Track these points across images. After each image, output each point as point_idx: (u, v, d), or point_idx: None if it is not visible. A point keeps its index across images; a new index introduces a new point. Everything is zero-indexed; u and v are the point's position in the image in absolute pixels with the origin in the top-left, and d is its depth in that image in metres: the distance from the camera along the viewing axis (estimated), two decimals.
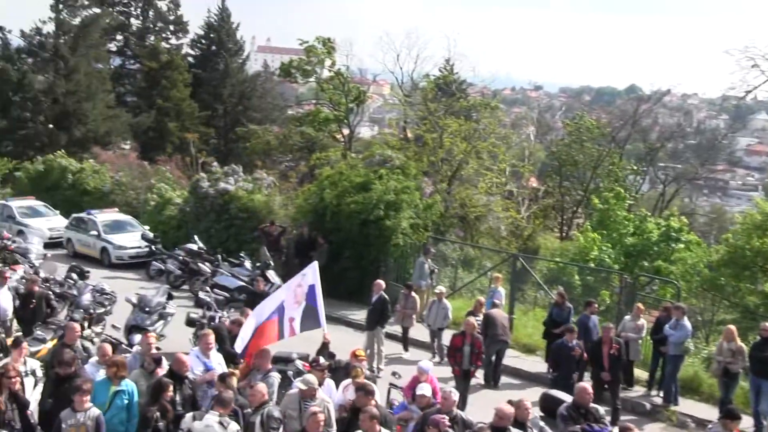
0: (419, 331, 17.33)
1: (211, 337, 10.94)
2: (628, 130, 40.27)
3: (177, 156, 38.82)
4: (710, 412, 13.63)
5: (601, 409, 10.36)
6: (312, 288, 12.14)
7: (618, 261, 22.98)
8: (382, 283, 16.29)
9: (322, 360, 11.01)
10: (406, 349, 16.83)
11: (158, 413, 9.02)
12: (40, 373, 10.25)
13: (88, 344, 11.71)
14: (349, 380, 10.37)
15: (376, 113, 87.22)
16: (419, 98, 34.48)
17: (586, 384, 10.48)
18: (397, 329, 17.18)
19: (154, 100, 49.66)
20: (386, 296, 15.96)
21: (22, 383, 9.47)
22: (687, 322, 14.35)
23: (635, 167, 40.01)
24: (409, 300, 16.72)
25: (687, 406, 14.43)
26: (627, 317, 15.23)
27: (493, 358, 15.23)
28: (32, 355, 10.76)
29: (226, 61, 54.08)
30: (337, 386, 10.58)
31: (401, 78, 38.53)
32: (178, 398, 9.47)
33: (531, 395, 10.83)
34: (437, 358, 16.10)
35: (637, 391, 15.03)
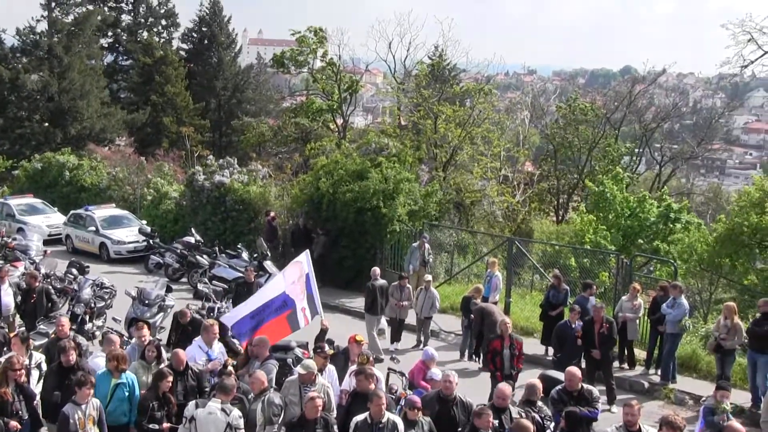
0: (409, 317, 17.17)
1: (216, 328, 11.07)
2: (623, 111, 40.17)
3: (173, 150, 38.82)
4: (708, 389, 13.63)
5: (596, 391, 10.20)
6: (308, 276, 12.24)
7: (615, 242, 23.01)
8: (375, 270, 16.39)
9: (326, 346, 11.06)
10: (397, 340, 16.30)
11: (155, 403, 9.11)
12: (44, 366, 10.33)
13: (81, 339, 11.75)
14: (355, 366, 10.36)
15: (370, 102, 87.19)
16: (412, 85, 34.46)
17: (575, 369, 10.28)
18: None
19: (149, 96, 49.63)
20: (378, 283, 15.92)
21: (27, 375, 9.60)
22: (684, 301, 14.40)
23: (629, 148, 39.97)
24: (404, 292, 16.19)
25: (685, 383, 14.51)
26: (624, 297, 15.26)
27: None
28: (36, 348, 10.83)
29: (219, 55, 54.01)
30: (338, 372, 10.64)
31: (394, 66, 38.55)
32: (179, 388, 9.56)
33: (529, 377, 10.86)
34: (422, 346, 15.80)
35: (636, 370, 15.11)
